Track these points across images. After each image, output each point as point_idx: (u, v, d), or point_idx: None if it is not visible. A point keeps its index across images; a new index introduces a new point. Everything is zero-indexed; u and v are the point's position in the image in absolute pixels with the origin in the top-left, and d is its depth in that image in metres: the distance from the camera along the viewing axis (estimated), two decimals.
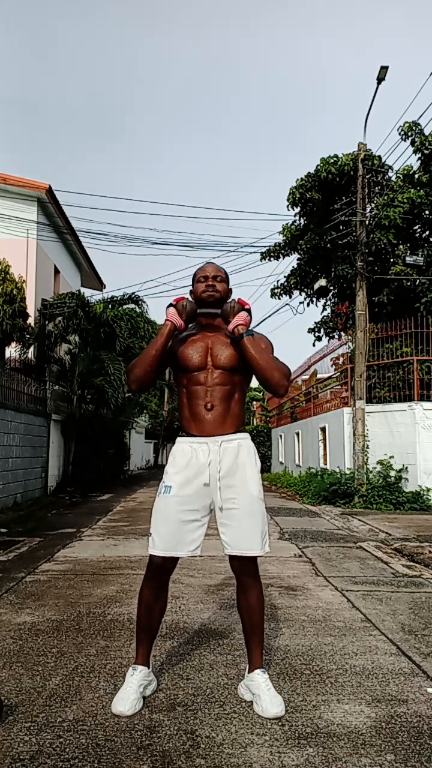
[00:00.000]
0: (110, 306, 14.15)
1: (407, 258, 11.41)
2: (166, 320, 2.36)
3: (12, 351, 12.25)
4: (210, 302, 2.40)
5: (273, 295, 14.76)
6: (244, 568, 2.35)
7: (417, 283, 11.71)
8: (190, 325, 2.45)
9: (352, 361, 11.62)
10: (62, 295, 14.19)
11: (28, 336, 12.30)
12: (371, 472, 10.90)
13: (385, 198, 11.77)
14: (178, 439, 2.43)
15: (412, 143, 11.64)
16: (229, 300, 2.43)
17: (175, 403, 27.36)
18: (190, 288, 2.50)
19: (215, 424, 2.35)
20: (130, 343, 13.77)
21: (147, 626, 2.35)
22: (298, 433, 16.64)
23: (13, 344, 11.84)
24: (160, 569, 2.33)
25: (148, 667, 2.35)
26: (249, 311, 2.37)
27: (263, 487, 2.45)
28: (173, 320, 2.34)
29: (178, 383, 2.48)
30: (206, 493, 2.31)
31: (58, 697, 2.35)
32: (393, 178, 12.35)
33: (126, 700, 2.20)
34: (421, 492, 10.31)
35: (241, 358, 2.35)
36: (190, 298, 2.45)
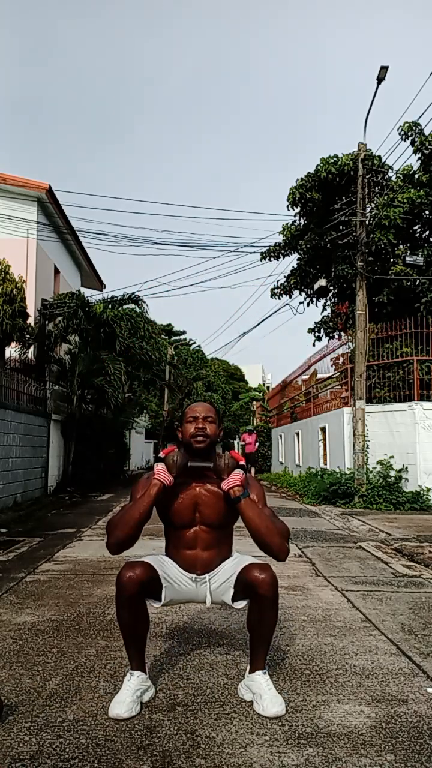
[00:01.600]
0: (110, 306, 14.15)
1: (407, 258, 11.40)
2: (154, 479, 2.26)
3: (12, 351, 12.24)
4: (200, 448, 2.34)
5: (273, 295, 14.76)
6: (266, 581, 2.20)
7: (417, 283, 11.70)
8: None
9: (352, 361, 11.62)
10: (62, 295, 14.19)
11: (28, 336, 12.29)
12: (371, 472, 10.89)
13: (385, 198, 11.77)
14: (166, 556, 2.49)
15: (412, 143, 11.64)
16: (222, 455, 2.35)
17: (175, 403, 27.32)
18: (178, 425, 2.47)
19: (203, 571, 2.42)
20: (130, 343, 13.77)
21: (134, 643, 2.30)
22: (298, 433, 16.64)
23: (13, 344, 11.83)
24: (127, 592, 2.20)
25: (145, 672, 2.34)
26: (244, 468, 2.32)
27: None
28: (162, 479, 2.26)
29: (164, 525, 2.49)
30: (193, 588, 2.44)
31: (58, 697, 2.35)
32: (393, 178, 12.35)
33: (123, 704, 2.18)
34: (421, 492, 10.31)
35: (232, 513, 2.37)
36: (181, 449, 2.36)
